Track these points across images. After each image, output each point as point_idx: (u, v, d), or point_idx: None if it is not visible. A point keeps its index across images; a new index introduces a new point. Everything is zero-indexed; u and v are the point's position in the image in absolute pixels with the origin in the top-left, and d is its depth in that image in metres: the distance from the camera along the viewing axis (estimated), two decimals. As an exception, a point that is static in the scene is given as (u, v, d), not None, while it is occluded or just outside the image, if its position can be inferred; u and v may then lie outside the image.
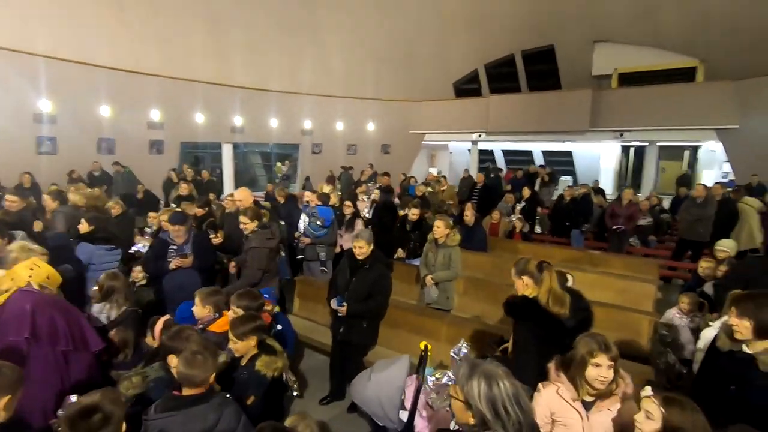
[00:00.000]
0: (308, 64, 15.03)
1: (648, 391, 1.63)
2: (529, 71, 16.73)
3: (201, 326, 2.87)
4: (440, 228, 4.47)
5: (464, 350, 2.75)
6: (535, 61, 16.43)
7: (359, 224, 5.48)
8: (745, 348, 2.05)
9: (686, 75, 13.45)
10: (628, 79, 14.54)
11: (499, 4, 14.75)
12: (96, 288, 3.16)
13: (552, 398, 1.99)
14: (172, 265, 3.89)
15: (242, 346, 2.44)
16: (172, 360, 2.15)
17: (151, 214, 5.42)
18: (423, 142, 17.31)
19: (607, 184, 14.62)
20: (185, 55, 12.62)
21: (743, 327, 2.00)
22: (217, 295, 3.00)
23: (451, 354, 2.77)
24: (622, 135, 13.00)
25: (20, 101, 9.70)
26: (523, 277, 2.56)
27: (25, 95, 9.79)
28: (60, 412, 1.90)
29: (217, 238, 4.71)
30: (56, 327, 2.15)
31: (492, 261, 5.91)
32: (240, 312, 2.72)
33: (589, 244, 8.27)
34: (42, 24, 10.03)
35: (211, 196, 7.74)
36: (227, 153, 14.35)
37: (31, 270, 2.24)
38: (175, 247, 4.00)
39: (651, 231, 8.47)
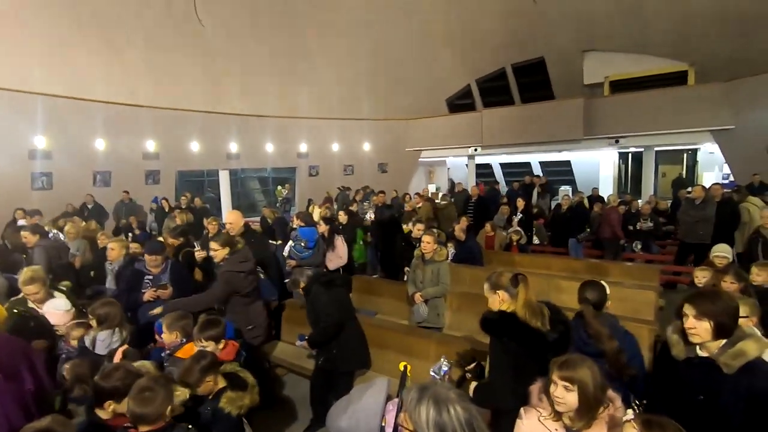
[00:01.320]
0: (302, 88, 15.20)
1: (629, 414, 1.48)
2: (521, 83, 16.84)
3: (168, 352, 2.75)
4: (429, 243, 4.37)
5: (445, 368, 2.59)
6: (526, 73, 16.55)
7: (339, 242, 5.36)
8: (700, 351, 1.90)
9: (677, 79, 13.45)
10: (620, 86, 14.57)
11: (485, 21, 14.94)
12: (91, 318, 2.99)
13: (535, 427, 1.83)
14: (146, 296, 3.70)
15: (204, 389, 2.31)
16: (109, 406, 2.00)
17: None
18: (420, 159, 17.33)
19: (607, 191, 14.48)
20: (179, 85, 12.80)
21: (702, 329, 1.84)
22: (185, 319, 2.87)
23: (431, 373, 2.61)
24: (617, 141, 12.92)
25: (15, 138, 9.79)
26: (498, 291, 2.41)
27: (20, 132, 9.89)
28: None
29: (201, 253, 4.60)
30: (17, 366, 2.03)
31: (487, 275, 5.74)
32: (209, 345, 2.59)
33: (588, 253, 8.10)
34: (36, 62, 10.23)
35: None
36: (224, 179, 14.42)
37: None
38: (151, 278, 3.84)
39: (653, 236, 8.29)
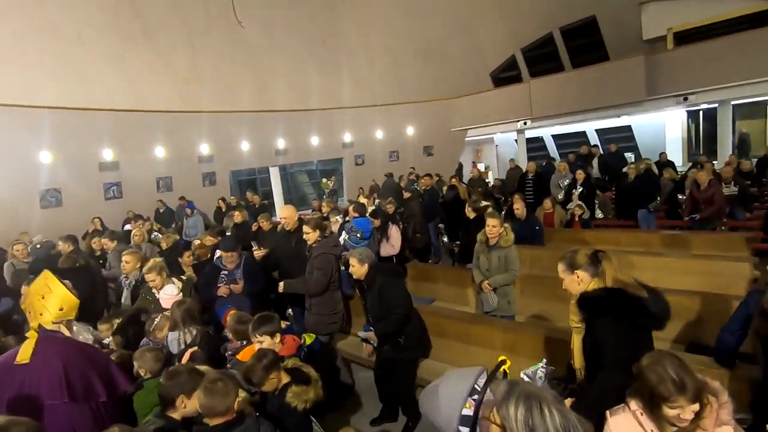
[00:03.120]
0: (343, 78, 15.17)
1: None
2: (570, 48, 15.70)
3: (230, 352, 2.82)
4: (496, 227, 4.02)
5: (541, 373, 2.22)
6: (577, 35, 15.39)
7: (393, 231, 5.27)
8: None
9: (757, 21, 11.85)
10: (686, 38, 13.13)
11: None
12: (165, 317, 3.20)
13: (631, 425, 1.63)
14: (220, 291, 3.92)
15: (269, 386, 2.34)
16: (181, 402, 2.05)
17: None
18: (466, 139, 16.79)
19: (676, 155, 13.26)
20: (227, 88, 13.21)
21: None
22: (243, 324, 2.92)
23: (522, 375, 2.30)
24: (686, 99, 11.69)
25: (85, 153, 10.61)
26: (576, 271, 2.13)
27: (89, 147, 10.69)
28: None
29: (259, 252, 4.73)
30: (90, 381, 2.15)
31: (550, 254, 5.38)
32: (265, 339, 2.61)
33: (661, 224, 7.43)
34: (97, 79, 10.98)
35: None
36: (275, 176, 14.83)
37: (42, 299, 2.19)
38: (226, 273, 4.06)
39: (738, 201, 7.41)
